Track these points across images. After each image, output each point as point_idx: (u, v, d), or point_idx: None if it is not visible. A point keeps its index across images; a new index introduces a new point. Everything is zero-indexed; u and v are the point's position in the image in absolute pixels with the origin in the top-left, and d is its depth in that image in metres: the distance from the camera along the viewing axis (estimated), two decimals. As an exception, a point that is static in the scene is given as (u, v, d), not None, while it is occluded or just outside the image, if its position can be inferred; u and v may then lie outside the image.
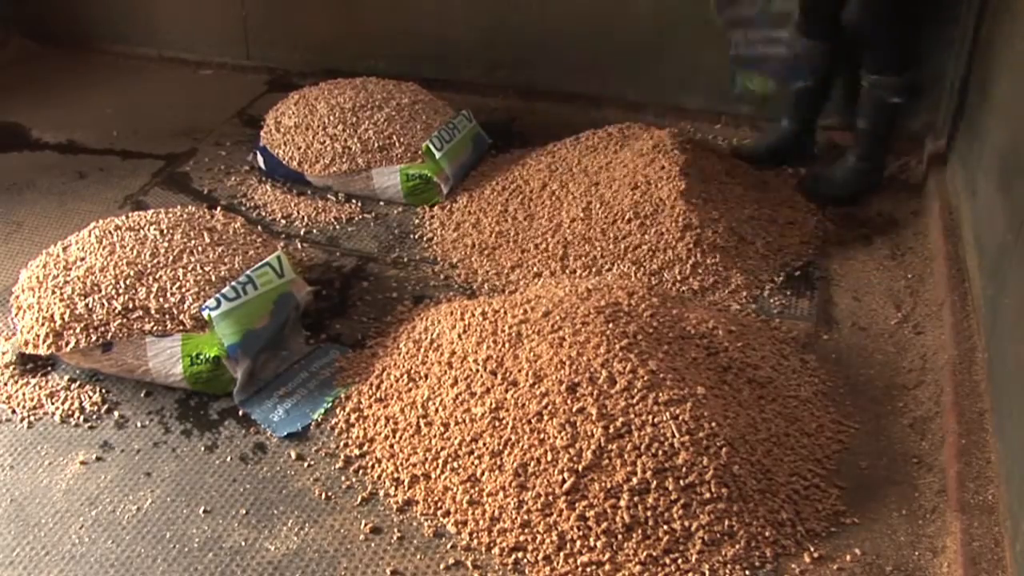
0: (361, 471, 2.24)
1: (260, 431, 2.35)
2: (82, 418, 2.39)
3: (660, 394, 2.15)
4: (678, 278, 2.84)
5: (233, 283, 2.42)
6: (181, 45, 4.34)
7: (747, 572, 1.99)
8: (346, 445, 2.30)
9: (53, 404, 2.42)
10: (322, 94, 3.49)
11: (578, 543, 2.01)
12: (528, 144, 3.67)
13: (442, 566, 2.01)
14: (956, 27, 3.33)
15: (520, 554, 2.02)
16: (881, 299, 2.85)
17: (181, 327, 2.37)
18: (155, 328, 2.35)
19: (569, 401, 2.16)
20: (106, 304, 2.38)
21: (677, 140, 3.22)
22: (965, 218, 2.93)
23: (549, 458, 2.10)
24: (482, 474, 2.15)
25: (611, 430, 2.11)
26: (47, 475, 2.24)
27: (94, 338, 2.36)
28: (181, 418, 2.40)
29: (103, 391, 2.46)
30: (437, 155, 3.23)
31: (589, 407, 2.14)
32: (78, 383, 2.48)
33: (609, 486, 2.05)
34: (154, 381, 2.43)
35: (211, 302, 2.36)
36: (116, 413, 2.41)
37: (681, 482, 2.06)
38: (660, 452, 2.08)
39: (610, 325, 2.30)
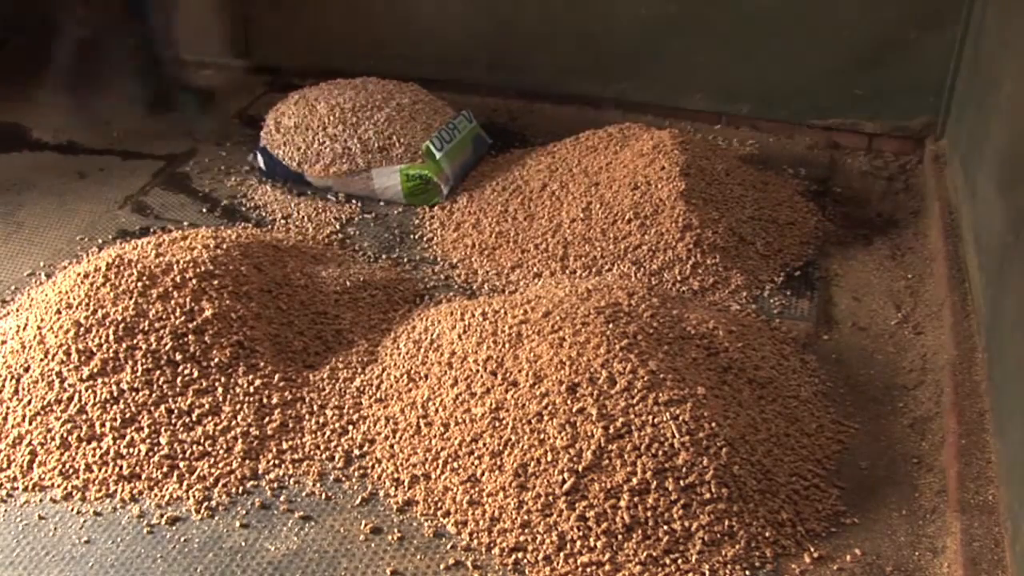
0: (361, 471, 2.24)
1: (260, 431, 2.36)
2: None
3: (660, 394, 2.15)
4: (678, 278, 2.84)
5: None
6: (181, 45, 4.33)
7: (747, 572, 1.99)
8: (347, 445, 2.30)
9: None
10: (322, 94, 3.49)
11: (578, 543, 2.01)
12: (528, 144, 3.67)
13: (442, 566, 2.01)
14: (956, 27, 3.33)
15: (520, 554, 2.02)
16: (881, 299, 2.85)
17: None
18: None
19: (569, 401, 2.16)
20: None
21: (677, 140, 3.22)
22: (965, 218, 2.93)
23: (549, 458, 2.10)
24: (482, 474, 2.15)
25: (611, 430, 2.11)
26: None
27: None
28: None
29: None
30: (437, 155, 3.23)
31: (589, 407, 2.14)
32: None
33: (609, 486, 2.05)
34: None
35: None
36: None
37: (681, 482, 2.06)
38: (660, 452, 2.08)
39: (610, 325, 2.30)
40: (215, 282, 2.52)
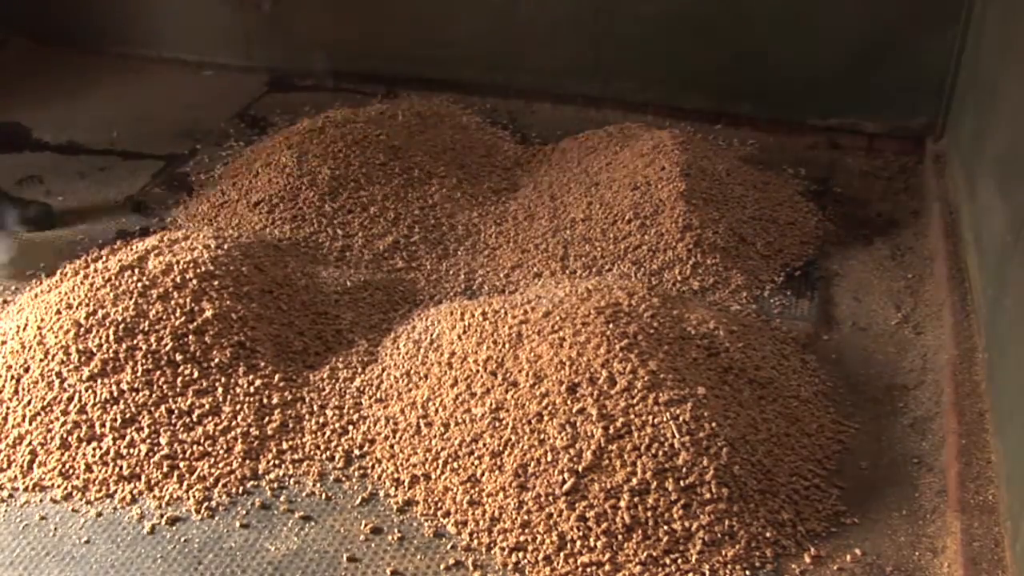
0: (361, 471, 2.24)
1: (260, 431, 2.36)
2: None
3: (660, 394, 2.15)
4: (678, 278, 2.84)
5: None
6: (182, 46, 4.34)
7: (747, 572, 1.99)
8: (347, 445, 2.30)
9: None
10: None
11: (578, 543, 2.01)
12: (528, 144, 3.67)
13: (442, 566, 2.01)
14: (956, 27, 3.33)
15: (520, 554, 2.02)
16: (881, 299, 2.85)
17: None
18: None
19: (569, 402, 2.16)
20: None
21: (677, 140, 3.22)
22: (965, 218, 2.93)
23: (549, 458, 2.10)
24: (482, 474, 2.15)
25: (611, 431, 2.11)
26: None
27: None
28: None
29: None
30: None
31: (589, 408, 2.14)
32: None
33: (609, 487, 2.05)
34: None
35: None
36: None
37: (681, 483, 2.06)
38: (660, 452, 2.08)
39: (610, 325, 2.30)
40: (215, 283, 2.52)
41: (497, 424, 2.20)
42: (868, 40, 3.47)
